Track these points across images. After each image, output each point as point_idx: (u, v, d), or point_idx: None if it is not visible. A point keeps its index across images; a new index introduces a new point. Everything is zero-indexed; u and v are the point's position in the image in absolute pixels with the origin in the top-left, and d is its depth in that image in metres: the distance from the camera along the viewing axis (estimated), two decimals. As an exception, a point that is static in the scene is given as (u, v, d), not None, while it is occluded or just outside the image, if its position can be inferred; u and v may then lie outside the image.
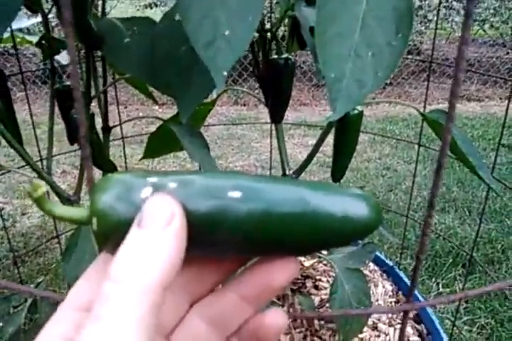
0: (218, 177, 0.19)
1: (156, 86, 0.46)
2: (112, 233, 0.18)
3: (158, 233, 0.17)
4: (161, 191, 0.19)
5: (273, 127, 0.64)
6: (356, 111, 0.54)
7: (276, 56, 0.54)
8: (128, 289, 0.16)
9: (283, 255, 0.20)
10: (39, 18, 0.81)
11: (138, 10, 4.78)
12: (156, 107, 3.20)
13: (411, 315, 0.73)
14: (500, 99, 3.25)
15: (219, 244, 0.19)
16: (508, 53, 3.67)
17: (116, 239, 0.18)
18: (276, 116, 0.57)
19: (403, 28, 0.35)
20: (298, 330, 0.66)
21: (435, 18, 3.57)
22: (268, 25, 0.54)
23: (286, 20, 0.60)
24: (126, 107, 3.19)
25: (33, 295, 0.56)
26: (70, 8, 0.19)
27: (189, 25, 0.34)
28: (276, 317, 0.21)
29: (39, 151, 0.78)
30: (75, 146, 0.72)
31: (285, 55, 0.54)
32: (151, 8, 4.73)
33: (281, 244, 0.19)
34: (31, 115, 0.78)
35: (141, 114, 3.04)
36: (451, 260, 1.39)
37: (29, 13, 0.69)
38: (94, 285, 0.20)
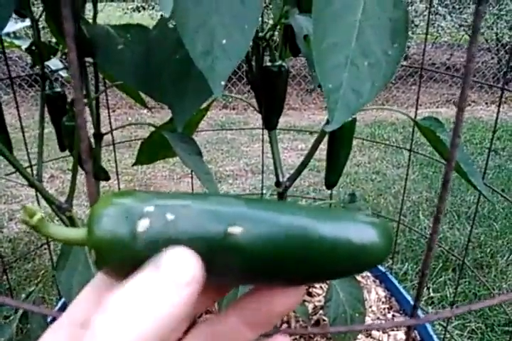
0: (218, 207, 0.18)
1: (150, 94, 0.46)
2: (108, 257, 0.18)
3: (172, 285, 0.16)
4: (159, 222, 0.18)
5: (263, 131, 0.64)
6: (350, 119, 0.54)
7: (269, 63, 0.54)
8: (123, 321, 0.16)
9: (287, 285, 0.20)
10: (27, 22, 0.80)
11: (125, 13, 4.76)
12: (145, 111, 3.18)
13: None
14: (486, 103, 3.30)
15: (218, 274, 0.19)
16: (493, 58, 3.72)
17: (113, 264, 0.18)
18: (270, 123, 0.57)
19: (399, 37, 0.35)
20: (292, 337, 0.66)
21: (421, 24, 3.61)
22: (261, 33, 0.54)
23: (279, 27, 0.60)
24: (114, 111, 3.18)
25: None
26: (71, 21, 0.19)
27: (186, 34, 0.34)
28: None
29: (28, 156, 0.77)
30: (64, 151, 0.71)
31: (278, 63, 0.54)
32: (139, 11, 4.71)
33: (284, 277, 0.19)
34: (20, 119, 0.77)
35: (129, 118, 3.02)
36: (441, 264, 1.40)
37: (16, 16, 0.69)
38: (90, 305, 0.20)
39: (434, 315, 0.21)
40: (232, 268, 0.18)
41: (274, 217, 0.18)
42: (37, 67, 0.63)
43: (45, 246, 1.49)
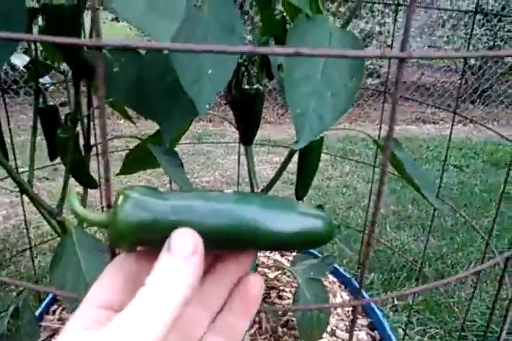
0: (203, 203, 0.25)
1: (141, 112, 0.52)
2: (127, 236, 0.24)
3: (183, 261, 0.23)
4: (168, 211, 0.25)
5: (240, 145, 0.70)
6: (318, 138, 0.61)
7: (247, 86, 0.60)
8: (158, 298, 0.22)
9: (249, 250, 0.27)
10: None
11: (104, 22, 4.79)
12: (122, 121, 3.22)
13: (365, 322, 0.79)
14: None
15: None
16: (460, 79, 3.90)
17: (129, 242, 0.24)
18: (247, 140, 0.63)
19: (356, 74, 0.42)
20: (263, 337, 0.71)
21: (394, 44, 3.76)
22: (241, 59, 0.60)
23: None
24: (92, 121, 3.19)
25: (14, 302, 0.59)
26: (103, 86, 0.25)
27: (179, 66, 0.40)
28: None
29: (15, 162, 0.80)
30: (53, 161, 0.75)
31: (256, 86, 0.60)
32: (118, 21, 4.75)
33: (242, 248, 0.27)
34: (9, 129, 0.81)
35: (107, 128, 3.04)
36: (405, 274, 1.47)
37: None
38: (111, 285, 0.25)
39: (373, 298, 0.27)
40: (211, 244, 0.25)
41: (234, 211, 0.25)
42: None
43: (21, 254, 1.51)
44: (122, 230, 0.24)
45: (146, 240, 0.25)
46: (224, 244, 0.26)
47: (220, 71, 0.41)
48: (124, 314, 0.21)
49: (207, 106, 0.40)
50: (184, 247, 0.23)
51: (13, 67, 3.34)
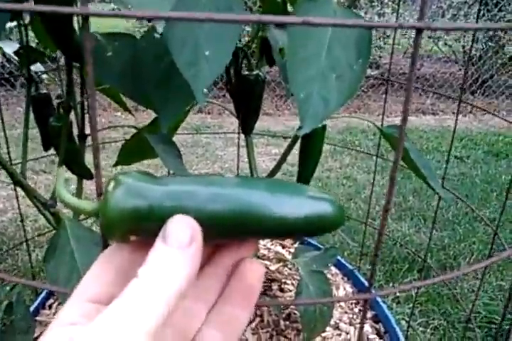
0: (202, 188, 0.23)
1: (136, 98, 0.49)
2: (119, 225, 0.22)
3: (179, 252, 0.21)
4: (163, 197, 0.22)
5: (239, 136, 0.68)
6: (321, 125, 0.59)
7: (247, 72, 0.58)
8: (150, 290, 0.20)
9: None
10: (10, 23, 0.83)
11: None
12: (119, 113, 3.19)
13: (369, 315, 0.78)
14: (453, 113, 3.42)
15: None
16: (460, 70, 3.87)
17: (122, 231, 0.22)
18: (247, 129, 0.61)
19: (363, 55, 0.40)
20: (265, 330, 0.70)
21: (393, 34, 3.72)
22: (240, 44, 0.58)
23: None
24: (87, 113, 3.16)
25: (7, 297, 0.57)
26: (92, 67, 0.23)
27: (173, 46, 0.37)
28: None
29: (9, 155, 0.78)
30: (47, 151, 0.73)
31: (256, 72, 0.58)
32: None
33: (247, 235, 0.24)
34: (2, 119, 0.79)
35: (103, 120, 3.02)
36: (407, 266, 1.46)
37: None
38: (101, 278, 0.23)
39: (384, 290, 0.25)
40: (212, 233, 0.23)
41: (237, 195, 0.23)
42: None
43: (18, 247, 1.49)
44: (113, 218, 0.22)
45: (141, 229, 0.22)
46: (226, 233, 0.23)
47: (218, 52, 0.39)
48: (113, 306, 0.19)
49: (204, 91, 0.38)
50: (180, 236, 0.21)
51: (8, 60, 3.30)
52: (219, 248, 0.26)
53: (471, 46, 0.78)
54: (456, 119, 0.71)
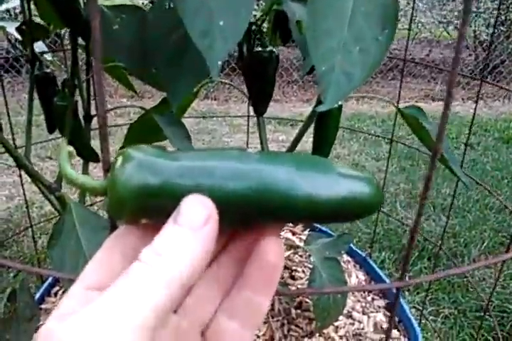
0: (219, 163, 0.21)
1: (143, 76, 0.47)
2: (128, 203, 0.20)
3: (190, 233, 0.18)
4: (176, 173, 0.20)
5: (244, 122, 0.65)
6: (337, 105, 0.56)
7: (260, 49, 0.55)
8: (155, 273, 0.17)
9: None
10: (11, 3, 0.79)
11: None
12: (124, 99, 3.16)
13: (383, 303, 0.76)
14: (463, 99, 3.37)
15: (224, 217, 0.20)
16: (470, 55, 3.79)
17: (131, 211, 0.20)
18: (260, 108, 0.58)
19: (389, 24, 0.37)
20: (275, 319, 0.68)
21: (402, 19, 3.65)
22: (253, 18, 0.55)
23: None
24: (93, 99, 3.14)
25: (10, 284, 0.55)
26: (100, 45, 0.20)
27: (185, 15, 0.34)
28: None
29: (13, 140, 0.76)
30: (52, 133, 0.71)
31: (269, 48, 0.55)
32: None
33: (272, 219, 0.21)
34: (6, 104, 0.76)
35: (109, 106, 3.00)
36: (417, 253, 1.43)
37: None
38: (106, 264, 0.21)
39: (416, 279, 0.23)
40: (231, 215, 0.20)
41: (261, 172, 0.20)
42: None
43: (23, 234, 1.48)
44: (123, 196, 0.19)
45: (152, 210, 0.20)
46: (247, 215, 0.21)
47: (233, 23, 0.36)
48: (105, 295, 0.17)
49: (219, 63, 0.35)
50: (193, 216, 0.19)
51: (14, 46, 3.27)
52: (234, 236, 0.23)
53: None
54: (477, 99, 0.69)
